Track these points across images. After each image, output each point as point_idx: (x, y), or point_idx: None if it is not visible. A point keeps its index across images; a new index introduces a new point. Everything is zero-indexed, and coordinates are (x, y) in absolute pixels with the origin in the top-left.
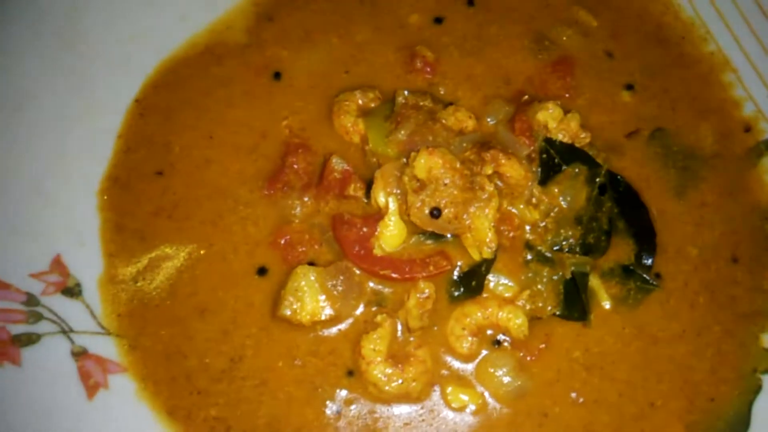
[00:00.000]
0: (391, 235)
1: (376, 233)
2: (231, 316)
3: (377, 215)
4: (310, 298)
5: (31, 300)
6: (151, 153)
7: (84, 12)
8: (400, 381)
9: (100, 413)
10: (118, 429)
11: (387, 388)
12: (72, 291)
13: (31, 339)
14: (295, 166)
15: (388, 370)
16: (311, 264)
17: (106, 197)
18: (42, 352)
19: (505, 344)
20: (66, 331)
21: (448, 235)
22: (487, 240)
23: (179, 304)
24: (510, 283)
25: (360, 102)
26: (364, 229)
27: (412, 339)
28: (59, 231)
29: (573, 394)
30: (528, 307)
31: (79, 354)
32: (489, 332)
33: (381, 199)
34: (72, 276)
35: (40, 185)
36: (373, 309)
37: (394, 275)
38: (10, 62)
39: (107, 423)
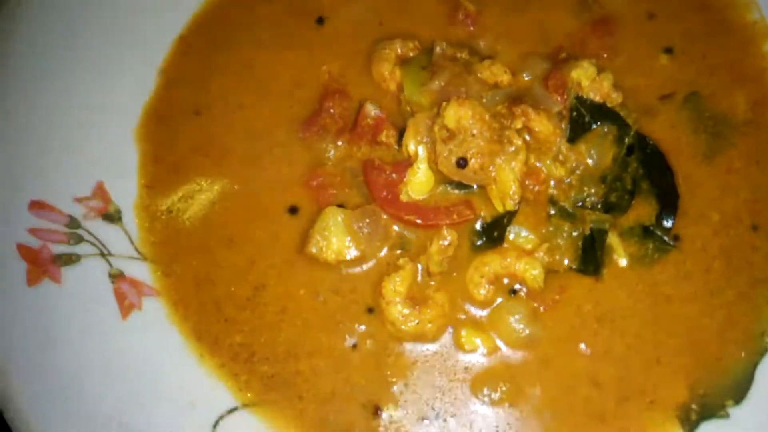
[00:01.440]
0: (418, 182)
1: (405, 180)
2: (258, 248)
3: (407, 162)
4: (337, 238)
5: (73, 222)
6: (191, 92)
7: None
8: (416, 321)
9: (134, 333)
10: (149, 349)
11: (404, 327)
12: (112, 216)
13: (71, 259)
14: (332, 111)
15: (406, 311)
16: (340, 206)
17: (145, 130)
18: (81, 272)
19: (521, 294)
20: (104, 254)
21: (474, 186)
22: (511, 192)
23: (210, 233)
24: (530, 236)
25: (399, 51)
26: (393, 175)
27: (431, 283)
28: (102, 159)
29: (582, 345)
30: (546, 259)
31: (116, 276)
32: (506, 281)
33: (411, 146)
34: (113, 202)
35: (86, 115)
36: (397, 252)
37: (418, 221)
38: None
39: (140, 342)
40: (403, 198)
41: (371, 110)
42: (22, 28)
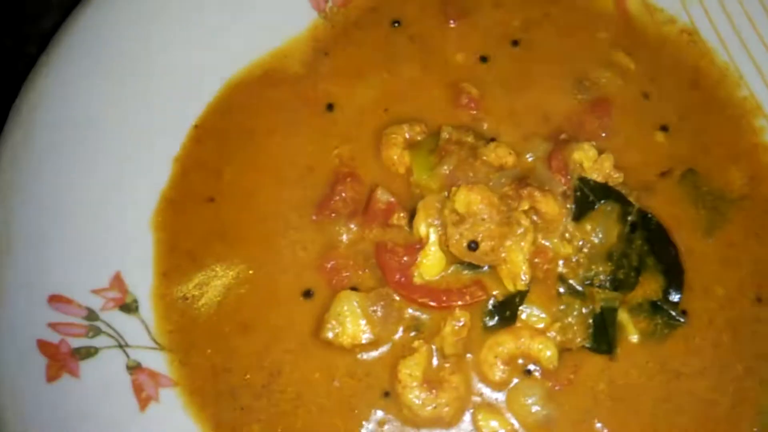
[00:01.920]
0: (430, 264)
1: (417, 262)
2: (273, 333)
3: (418, 245)
4: (352, 323)
5: (91, 315)
6: (205, 178)
7: (150, 40)
8: (434, 405)
9: (152, 424)
10: None
11: (421, 412)
12: (129, 307)
13: (89, 352)
14: (343, 194)
15: (423, 395)
16: (354, 289)
17: (160, 218)
18: (99, 365)
19: (536, 374)
20: (122, 345)
21: (485, 267)
22: (522, 272)
23: (225, 320)
24: (542, 315)
25: (407, 135)
26: (405, 258)
27: (446, 365)
28: (119, 249)
29: (598, 425)
30: (558, 338)
31: (134, 368)
32: (520, 361)
33: (422, 229)
34: (130, 293)
35: (102, 206)
36: (411, 335)
37: (432, 303)
38: (77, 87)
39: None
40: (417, 280)
41: (383, 195)
42: (40, 121)
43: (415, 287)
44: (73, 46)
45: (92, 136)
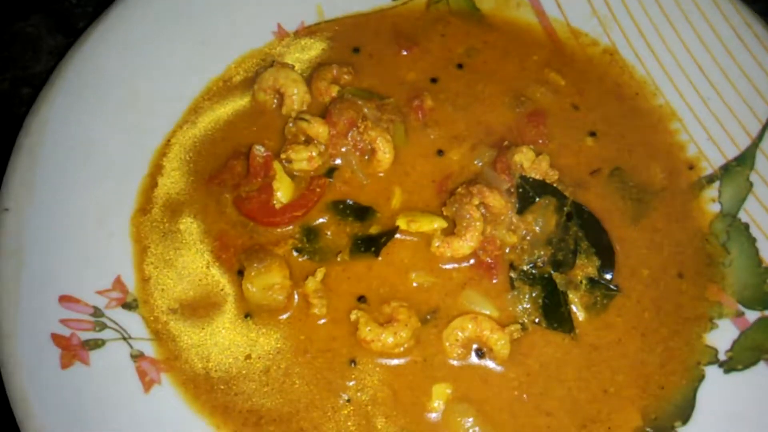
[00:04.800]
0: (284, 187)
1: (273, 193)
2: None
3: (268, 184)
4: (265, 295)
5: (97, 312)
6: None
7: (141, 77)
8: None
9: (156, 404)
10: (171, 417)
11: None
12: (130, 305)
13: (97, 344)
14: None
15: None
16: (240, 273)
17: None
18: (106, 354)
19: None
20: (126, 338)
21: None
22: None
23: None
24: (491, 305)
25: (335, 73)
26: (263, 196)
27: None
28: (120, 256)
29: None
30: (512, 327)
31: (137, 356)
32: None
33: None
34: (130, 293)
35: (105, 219)
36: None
37: (300, 213)
38: (78, 111)
39: (162, 412)
40: (278, 206)
41: (258, 150)
42: (47, 143)
43: (280, 210)
44: (72, 78)
45: (95, 161)
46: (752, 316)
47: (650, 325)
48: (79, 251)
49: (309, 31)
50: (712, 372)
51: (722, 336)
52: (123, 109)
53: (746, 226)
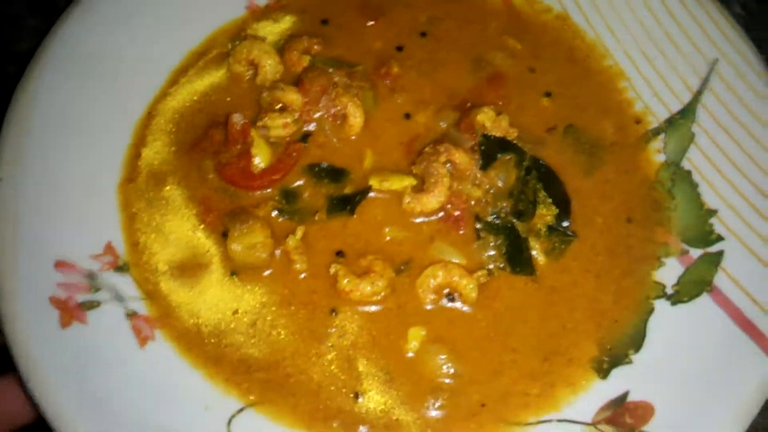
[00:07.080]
0: (262, 152)
1: (251, 159)
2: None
3: (246, 150)
4: (253, 256)
5: (91, 275)
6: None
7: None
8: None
9: (151, 358)
10: (166, 369)
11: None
12: (122, 268)
13: (93, 304)
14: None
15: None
16: (224, 235)
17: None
18: (102, 314)
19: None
20: (119, 299)
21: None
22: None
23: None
24: (459, 254)
25: (305, 44)
26: (243, 162)
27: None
28: (110, 222)
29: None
30: (479, 273)
31: (131, 315)
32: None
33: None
34: (121, 257)
35: (94, 188)
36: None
37: (279, 176)
38: (68, 80)
39: (157, 365)
40: (257, 170)
41: (235, 118)
42: (37, 116)
43: (259, 175)
44: (56, 54)
45: (80, 128)
46: (695, 253)
47: (604, 267)
48: (71, 219)
49: (280, 5)
50: (661, 305)
51: (669, 273)
52: (105, 83)
53: (689, 173)
